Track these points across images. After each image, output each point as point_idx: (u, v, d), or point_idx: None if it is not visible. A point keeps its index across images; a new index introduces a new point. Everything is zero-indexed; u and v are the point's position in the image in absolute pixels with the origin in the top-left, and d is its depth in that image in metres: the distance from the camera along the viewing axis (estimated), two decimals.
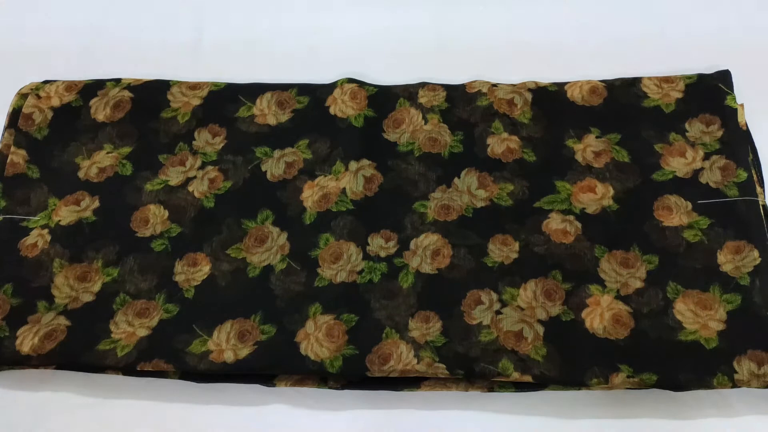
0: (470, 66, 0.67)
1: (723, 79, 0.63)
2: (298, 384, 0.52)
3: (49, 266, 0.57)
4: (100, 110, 0.64)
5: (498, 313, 0.53)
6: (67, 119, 0.64)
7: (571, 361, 0.51)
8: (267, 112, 0.64)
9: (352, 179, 0.60)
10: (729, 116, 0.61)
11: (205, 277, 0.56)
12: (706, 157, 0.59)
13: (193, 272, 0.56)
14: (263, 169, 0.61)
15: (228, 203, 0.59)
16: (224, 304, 0.55)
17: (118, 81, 0.66)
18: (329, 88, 0.65)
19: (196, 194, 0.60)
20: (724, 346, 0.51)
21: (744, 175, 0.58)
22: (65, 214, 0.59)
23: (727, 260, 0.54)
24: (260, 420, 0.53)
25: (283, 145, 0.62)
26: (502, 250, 0.56)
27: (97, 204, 0.60)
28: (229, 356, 0.52)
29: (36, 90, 0.65)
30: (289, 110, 0.64)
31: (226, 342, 0.53)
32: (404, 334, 0.53)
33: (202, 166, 0.61)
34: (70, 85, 0.66)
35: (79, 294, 0.56)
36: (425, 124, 0.63)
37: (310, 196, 0.59)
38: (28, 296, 0.55)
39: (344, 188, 0.59)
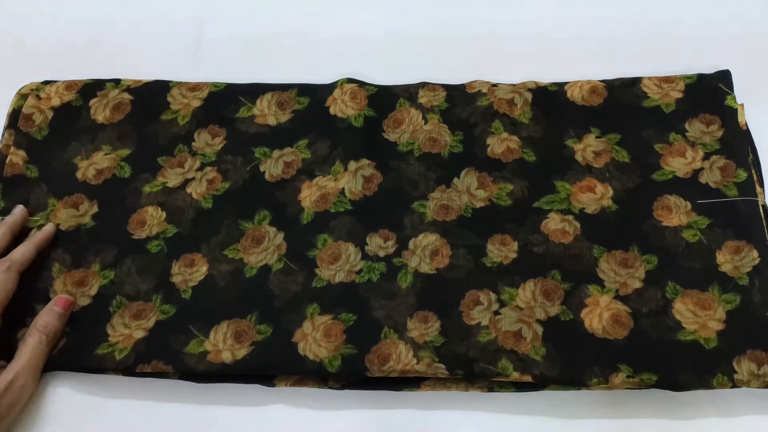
0: (470, 66, 0.67)
1: (723, 79, 0.62)
2: (298, 384, 0.52)
3: (48, 268, 0.57)
4: (100, 111, 0.64)
5: (497, 313, 0.53)
6: (67, 119, 0.64)
7: (570, 361, 0.51)
8: (267, 113, 0.64)
9: (351, 179, 0.60)
10: (729, 116, 0.60)
11: (203, 277, 0.56)
12: (706, 157, 0.59)
13: (190, 273, 0.56)
14: (262, 169, 0.61)
15: (226, 204, 0.59)
16: (221, 305, 0.55)
17: (117, 82, 0.66)
18: (329, 88, 0.65)
19: (195, 195, 0.60)
20: (724, 346, 0.51)
21: (744, 175, 0.58)
22: (64, 217, 0.59)
23: (726, 260, 0.54)
24: (260, 420, 0.53)
25: (282, 145, 0.62)
26: (501, 250, 0.56)
27: (95, 209, 0.59)
28: (227, 357, 0.52)
29: (36, 90, 0.65)
30: (289, 111, 0.64)
31: (222, 342, 0.53)
32: (403, 334, 0.53)
33: (201, 168, 0.61)
34: (70, 85, 0.65)
35: (77, 298, 0.55)
36: (425, 124, 0.63)
37: (308, 196, 0.59)
38: (27, 299, 0.55)
39: (343, 188, 0.59)
